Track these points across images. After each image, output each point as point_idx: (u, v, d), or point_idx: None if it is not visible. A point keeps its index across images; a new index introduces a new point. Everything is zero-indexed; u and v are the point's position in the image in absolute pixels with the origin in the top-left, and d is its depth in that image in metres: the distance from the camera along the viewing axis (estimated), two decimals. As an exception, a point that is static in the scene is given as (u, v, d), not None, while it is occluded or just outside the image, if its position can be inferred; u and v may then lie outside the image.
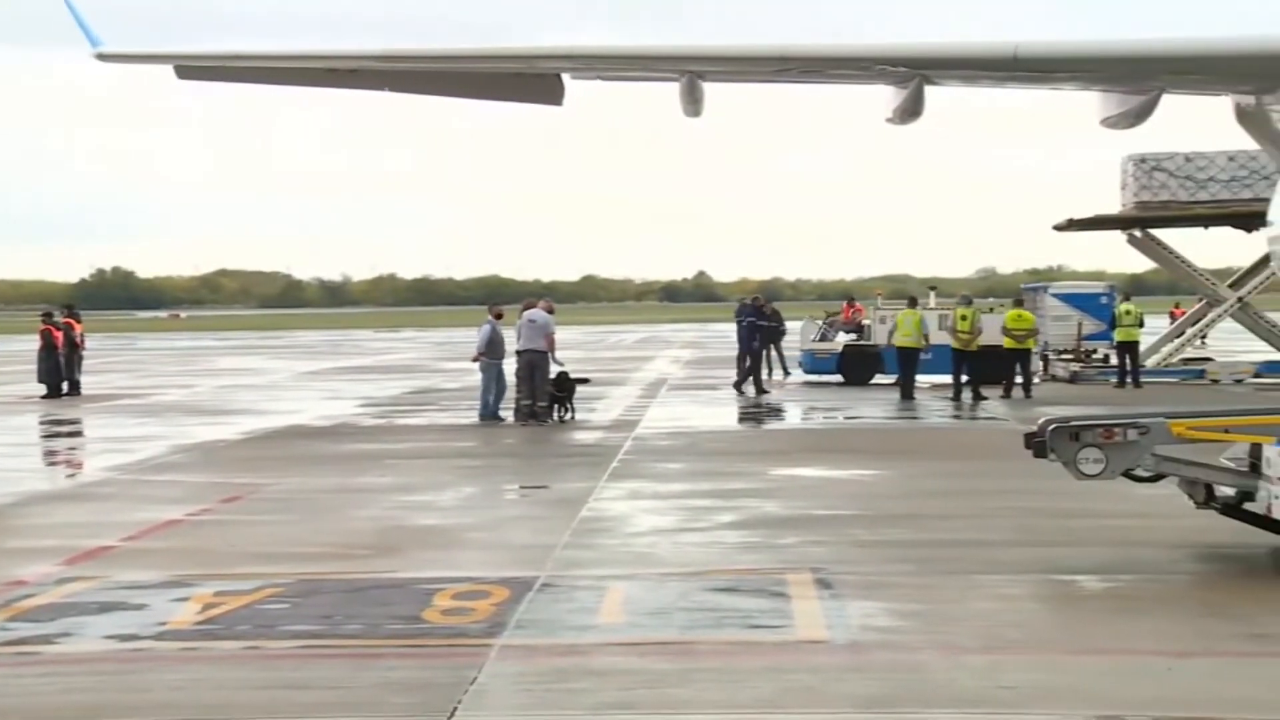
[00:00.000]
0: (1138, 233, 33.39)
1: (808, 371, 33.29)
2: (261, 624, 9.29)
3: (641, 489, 15.85)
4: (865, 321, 33.72)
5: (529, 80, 21.49)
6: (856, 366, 31.88)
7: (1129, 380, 30.29)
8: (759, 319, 31.20)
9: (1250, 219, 31.45)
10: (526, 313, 24.59)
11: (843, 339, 33.93)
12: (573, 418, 24.25)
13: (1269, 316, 33.35)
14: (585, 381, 25.54)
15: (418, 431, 23.29)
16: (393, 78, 22.06)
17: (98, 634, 9.12)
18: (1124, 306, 31.04)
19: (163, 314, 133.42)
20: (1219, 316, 33.51)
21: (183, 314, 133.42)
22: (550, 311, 24.96)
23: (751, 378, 30.56)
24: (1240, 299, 32.62)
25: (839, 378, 32.49)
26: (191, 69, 22.39)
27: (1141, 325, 31.00)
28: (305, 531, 13.17)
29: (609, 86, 22.33)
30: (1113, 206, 34.20)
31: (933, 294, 35.02)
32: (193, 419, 26.12)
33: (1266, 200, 31.20)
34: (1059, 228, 34.95)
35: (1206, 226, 33.84)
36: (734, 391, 30.65)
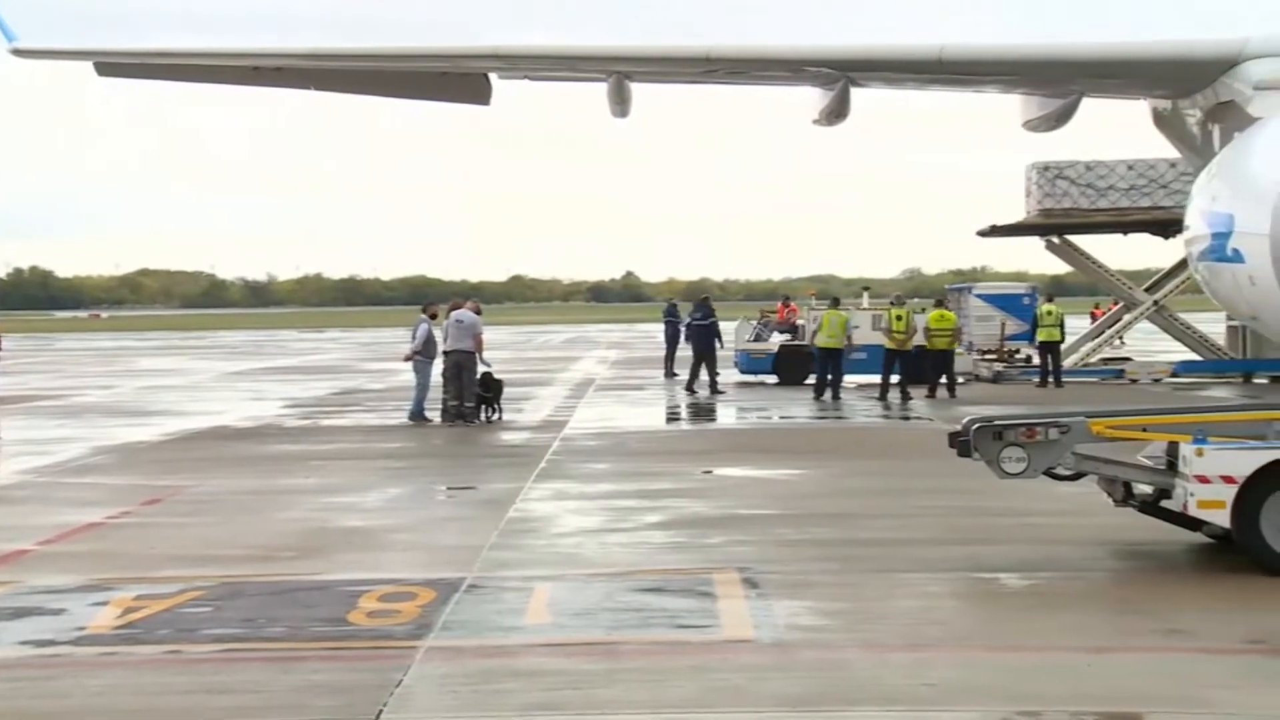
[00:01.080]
0: (1055, 239, 33.87)
1: (743, 371, 33.42)
2: (183, 628, 9.20)
3: (568, 489, 15.85)
4: (800, 322, 33.91)
5: (456, 80, 21.42)
6: (791, 366, 32.04)
7: (1050, 380, 30.69)
8: (705, 318, 31.27)
9: (1166, 226, 32.04)
10: (454, 313, 24.52)
11: (777, 339, 34.11)
12: (500, 418, 24.21)
13: (1183, 319, 33.94)
14: (499, 383, 25.49)
15: (343, 432, 23.14)
16: (318, 77, 21.91)
17: (13, 640, 8.99)
18: (1045, 307, 31.47)
19: (82, 314, 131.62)
20: (1135, 319, 34.08)
21: (103, 314, 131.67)
22: (478, 312, 24.93)
23: (696, 376, 30.66)
24: (1156, 302, 33.19)
25: (774, 378, 32.64)
26: (112, 66, 22.11)
27: (1063, 326, 31.45)
28: (228, 534, 13.06)
29: (538, 86, 22.33)
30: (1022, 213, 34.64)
31: (866, 294, 35.29)
32: (113, 420, 25.79)
33: (1164, 208, 31.98)
34: (982, 233, 35.39)
35: (1126, 233, 34.44)
36: (684, 392, 30.78)
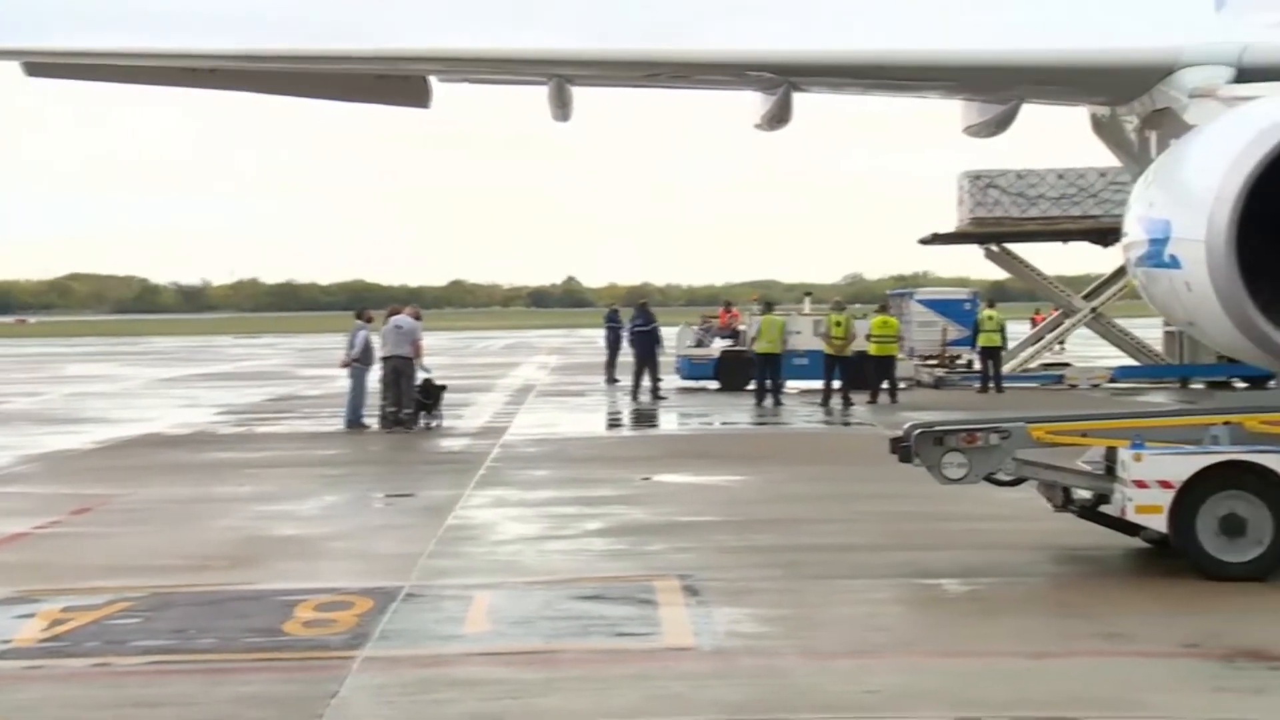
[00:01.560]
0: (995, 247, 34.16)
1: (684, 377, 33.45)
2: (111, 640, 9.08)
3: (508, 496, 15.81)
4: (741, 327, 33.97)
5: (394, 82, 21.29)
6: (733, 372, 32.08)
7: (991, 385, 30.94)
8: (645, 324, 31.26)
9: (1106, 234, 32.42)
10: (392, 319, 24.40)
11: (719, 345, 34.16)
12: (439, 424, 24.12)
13: (1121, 325, 34.30)
14: (442, 389, 25.44)
15: (279, 440, 22.96)
16: (253, 78, 21.69)
17: (-62, 652, 8.83)
18: (986, 313, 31.72)
19: (9, 319, 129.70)
20: (1073, 325, 34.42)
21: (30, 319, 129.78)
22: (417, 318, 24.82)
23: (638, 383, 30.65)
24: (1094, 309, 33.56)
25: (716, 384, 32.69)
26: (42, 66, 21.78)
27: (1004, 331, 31.72)
28: (159, 543, 12.90)
29: (478, 88, 22.22)
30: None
31: (808, 300, 35.38)
32: (41, 428, 25.44)
33: (1094, 217, 32.40)
34: (924, 241, 35.66)
35: (1065, 241, 34.85)
36: (625, 396, 30.85)
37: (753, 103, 20.53)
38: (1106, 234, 32.49)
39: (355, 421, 24.08)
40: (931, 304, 35.65)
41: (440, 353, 54.48)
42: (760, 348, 28.60)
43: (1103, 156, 20.83)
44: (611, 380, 35.54)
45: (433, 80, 21.39)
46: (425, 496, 15.82)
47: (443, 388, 24.93)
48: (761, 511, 14.40)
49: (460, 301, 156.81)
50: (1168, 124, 16.90)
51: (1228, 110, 14.82)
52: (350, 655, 8.57)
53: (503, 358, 54.32)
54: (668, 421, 26.30)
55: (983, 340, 31.47)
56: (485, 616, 9.64)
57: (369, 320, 24.93)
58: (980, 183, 33.39)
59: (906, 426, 11.32)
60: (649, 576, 10.93)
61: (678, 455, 20.12)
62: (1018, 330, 36.92)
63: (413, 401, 23.89)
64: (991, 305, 32.37)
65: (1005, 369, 32.71)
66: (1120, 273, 32.76)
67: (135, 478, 17.79)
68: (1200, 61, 16.62)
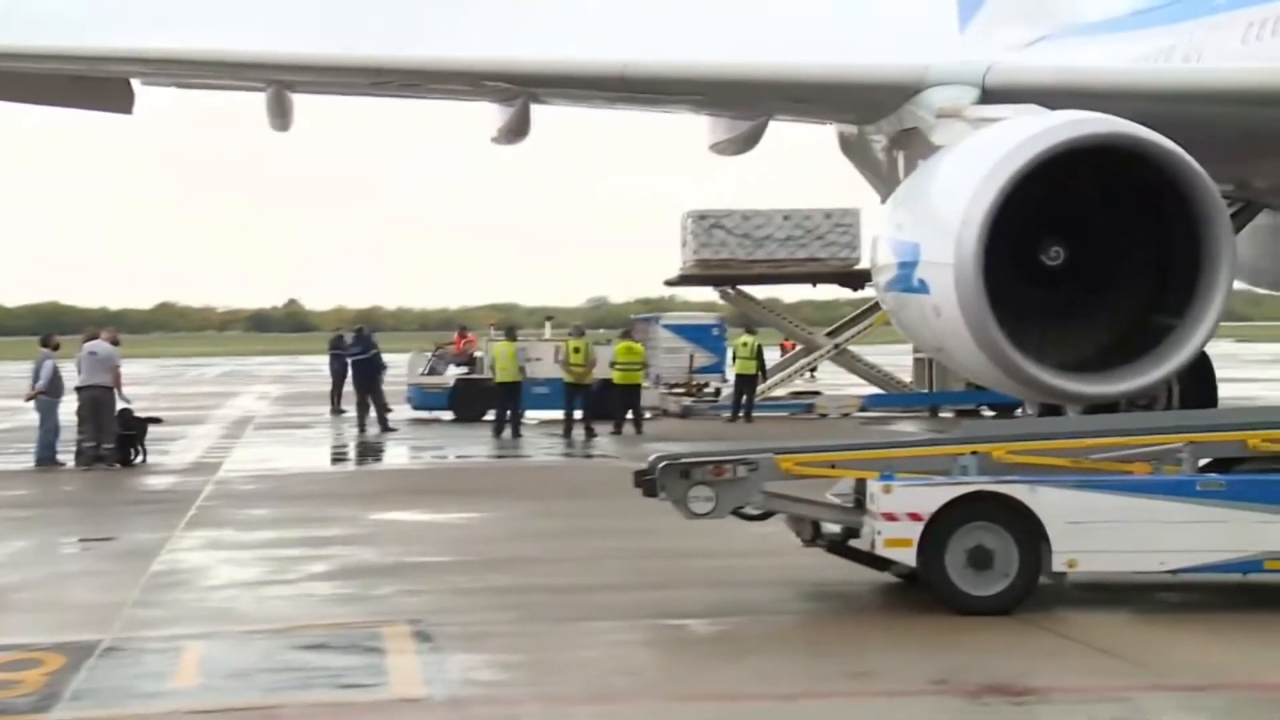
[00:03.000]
0: (731, 290, 34.80)
1: (416, 407, 33.16)
2: None
3: (223, 538, 15.48)
4: (478, 354, 33.84)
5: (92, 85, 20.65)
6: (470, 402, 31.93)
7: (742, 414, 31.61)
8: (364, 351, 30.85)
9: (858, 278, 33.63)
10: (87, 345, 23.58)
11: (454, 372, 33.97)
12: (144, 460, 23.40)
13: (867, 359, 35.39)
14: (156, 421, 24.70)
15: (-41, 479, 21.89)
16: (-69, 77, 20.75)
17: None
18: (742, 339, 32.34)
19: None
20: (815, 360, 35.27)
21: None
22: (115, 343, 24.08)
23: (364, 415, 30.21)
24: (836, 345, 34.64)
25: (451, 414, 32.51)
26: None
27: (760, 358, 32.39)
28: None
29: (189, 94, 21.72)
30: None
31: (549, 324, 35.47)
32: None
33: (819, 260, 33.62)
34: (670, 283, 36.22)
35: (815, 284, 36.07)
36: (351, 428, 30.47)
37: (490, 115, 20.62)
38: (859, 277, 33.71)
39: (47, 458, 23.18)
40: (678, 329, 36.15)
41: (147, 382, 52.82)
42: (500, 377, 28.57)
43: (851, 178, 21.53)
44: (337, 411, 35.07)
45: (136, 83, 20.83)
46: (128, 540, 15.40)
47: (151, 420, 24.20)
48: (498, 550, 14.37)
49: (170, 325, 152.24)
50: (915, 144, 17.60)
51: (974, 131, 15.52)
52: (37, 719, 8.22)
53: (218, 387, 53.02)
54: (398, 455, 26.05)
55: (738, 367, 32.13)
56: (196, 670, 9.39)
57: (56, 348, 24.04)
58: (705, 223, 33.73)
59: (651, 459, 11.45)
60: (377, 622, 10.79)
61: (408, 491, 19.95)
62: (771, 357, 37.73)
63: (113, 435, 23.10)
64: (751, 331, 32.99)
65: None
66: (866, 313, 34.11)
67: None
68: (946, 81, 17.38)
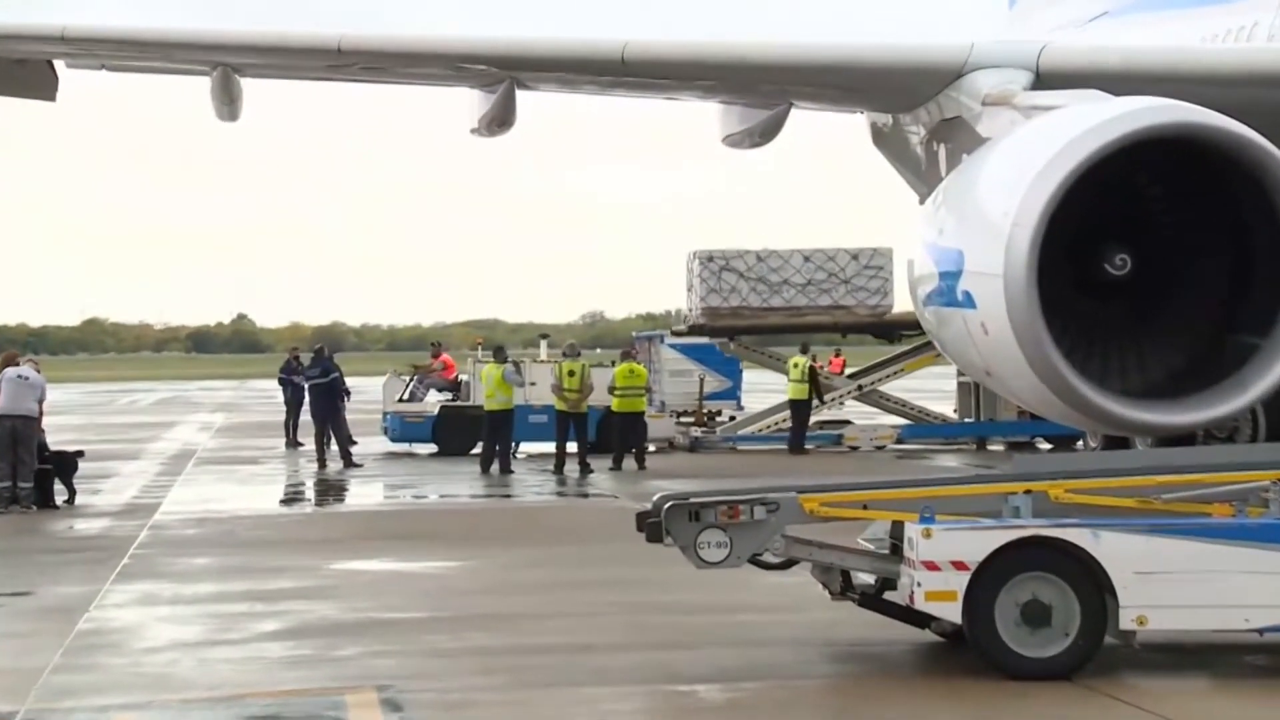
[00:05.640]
0: (730, 342, 34.81)
1: (395, 439, 33.19)
2: None
3: (160, 592, 15.50)
4: (463, 377, 33.86)
5: (9, 68, 20.72)
6: (454, 432, 31.90)
7: (794, 443, 31.73)
8: (324, 375, 30.86)
9: (892, 328, 33.71)
10: (9, 369, 23.59)
11: (435, 398, 33.99)
12: (70, 502, 23.42)
13: (897, 396, 35.46)
14: (78, 455, 24.71)
15: None
16: None
17: None
18: (794, 359, 32.35)
19: None
20: (838, 399, 35.20)
21: None
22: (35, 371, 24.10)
23: (323, 449, 30.25)
24: (860, 386, 34.76)
25: (433, 446, 32.52)
26: None
27: (814, 379, 32.30)
28: None
29: (121, 78, 21.79)
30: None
31: (544, 343, 35.52)
32: None
33: (845, 308, 33.61)
34: (677, 333, 36.29)
35: (844, 335, 36.15)
36: (310, 464, 30.61)
37: (469, 102, 20.67)
38: (893, 327, 33.77)
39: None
40: (686, 349, 36.15)
41: (71, 410, 52.93)
42: (489, 405, 28.58)
43: (885, 174, 21.55)
44: (293, 444, 35.10)
45: (59, 66, 20.91)
46: (49, 594, 15.43)
47: (78, 454, 24.22)
48: (481, 605, 14.39)
49: (98, 345, 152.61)
50: (958, 136, 17.63)
51: (1026, 121, 15.55)
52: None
53: (154, 416, 53.12)
54: (367, 494, 26.08)
55: (790, 391, 32.22)
56: (129, 746, 9.41)
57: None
58: (713, 265, 33.71)
59: (656, 498, 11.47)
60: (339, 689, 10.81)
61: (376, 537, 19.97)
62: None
63: (32, 473, 23.10)
64: (804, 350, 32.98)
65: (756, 429, 33.52)
66: (893, 360, 34.20)
67: None
68: (994, 63, 17.40)
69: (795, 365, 32.30)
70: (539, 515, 22.83)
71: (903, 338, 34.26)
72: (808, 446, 32.75)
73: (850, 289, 33.78)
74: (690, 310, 34.99)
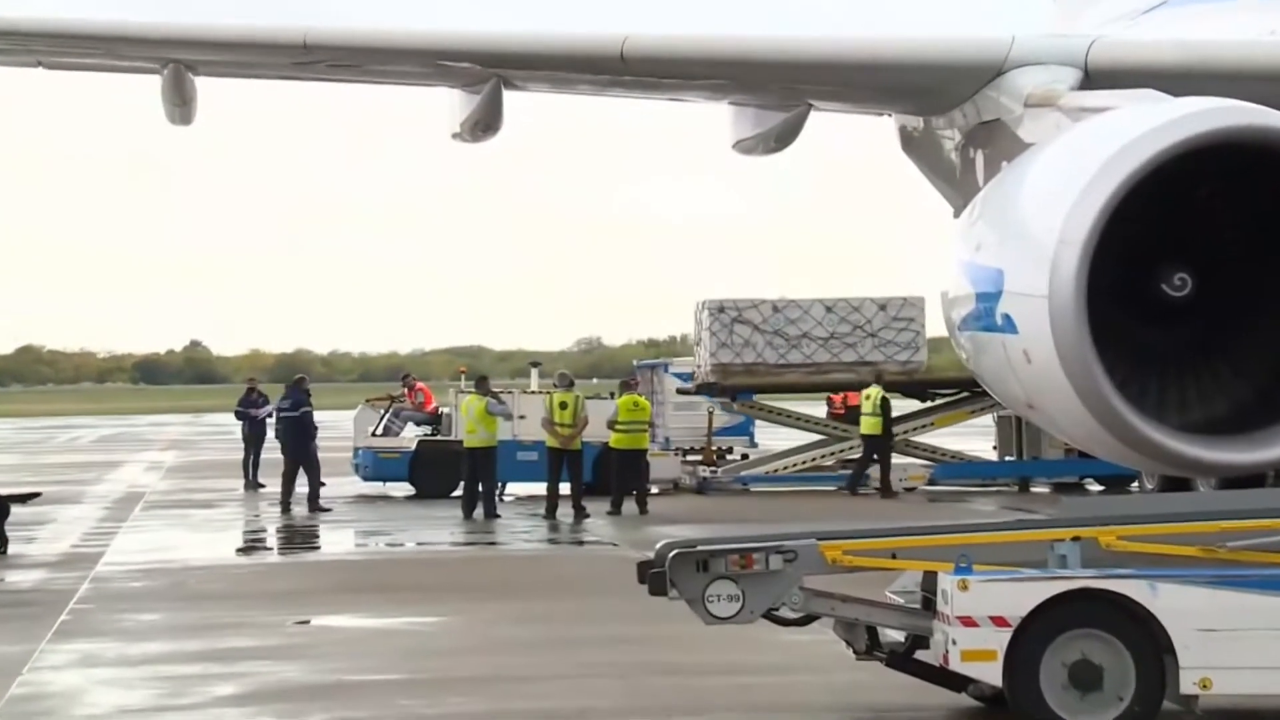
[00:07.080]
0: (734, 403, 34.64)
1: (368, 477, 33.18)
2: None
3: (102, 652, 15.54)
4: (444, 410, 33.84)
5: (-72, 65, 20.76)
6: (434, 471, 31.88)
7: (857, 487, 31.81)
8: (295, 407, 30.84)
9: (925, 386, 33.64)
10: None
11: (413, 432, 33.97)
12: (1, 551, 23.46)
13: (923, 442, 35.44)
14: (28, 498, 24.70)
15: None
16: None
17: None
18: (866, 391, 32.12)
19: None
20: (844, 450, 35.21)
21: None
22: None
23: (290, 488, 30.25)
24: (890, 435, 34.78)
25: (410, 486, 32.53)
26: None
27: (888, 412, 32.18)
28: None
29: (59, 76, 21.83)
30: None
31: (535, 372, 35.54)
32: None
33: (872, 364, 33.47)
34: (682, 392, 36.29)
35: (887, 393, 36.22)
36: (272, 508, 30.62)
37: (451, 104, 20.71)
38: (927, 385, 33.69)
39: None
40: (692, 379, 36.14)
41: (4, 449, 52.96)
42: (470, 441, 28.54)
43: (916, 183, 21.58)
44: (253, 485, 35.09)
45: (-10, 65, 20.94)
46: (-19, 654, 15.39)
47: (16, 498, 24.23)
48: (462, 666, 14.40)
49: (34, 376, 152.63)
50: (998, 140, 17.64)
51: (1074, 124, 15.57)
52: None
53: (98, 454, 53.14)
54: (336, 542, 26.11)
55: (863, 426, 32.13)
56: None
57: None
58: (725, 317, 33.49)
59: (660, 546, 11.47)
60: (304, 761, 10.83)
61: (348, 589, 19.99)
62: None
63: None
64: (879, 379, 32.60)
65: (771, 467, 33.50)
66: (920, 414, 34.19)
67: None
68: (1038, 60, 17.42)
69: (868, 398, 32.03)
70: (528, 565, 22.82)
71: (936, 397, 34.23)
72: (827, 488, 32.74)
73: (878, 343, 33.49)
74: (699, 366, 34.72)
